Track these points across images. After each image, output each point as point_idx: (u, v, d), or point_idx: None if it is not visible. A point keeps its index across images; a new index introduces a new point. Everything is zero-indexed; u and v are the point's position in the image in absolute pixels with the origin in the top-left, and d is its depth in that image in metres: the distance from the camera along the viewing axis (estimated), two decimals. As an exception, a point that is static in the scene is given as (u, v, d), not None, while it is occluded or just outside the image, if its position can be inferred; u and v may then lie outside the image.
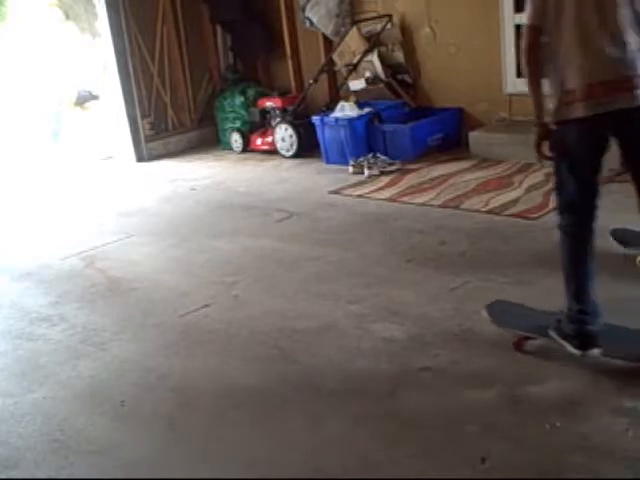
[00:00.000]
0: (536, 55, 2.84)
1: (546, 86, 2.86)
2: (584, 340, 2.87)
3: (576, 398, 2.71)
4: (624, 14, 2.72)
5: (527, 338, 3.12)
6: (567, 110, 2.77)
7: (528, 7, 2.84)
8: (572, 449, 2.44)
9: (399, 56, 6.98)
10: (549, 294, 3.59)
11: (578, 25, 2.72)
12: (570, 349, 2.92)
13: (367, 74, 7.00)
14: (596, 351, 2.87)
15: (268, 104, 7.58)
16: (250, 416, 2.90)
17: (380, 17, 6.97)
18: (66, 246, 5.31)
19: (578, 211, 2.88)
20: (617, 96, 2.71)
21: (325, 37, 7.48)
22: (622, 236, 3.95)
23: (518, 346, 3.11)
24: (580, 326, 2.87)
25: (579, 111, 2.74)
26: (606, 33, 2.71)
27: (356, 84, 7.08)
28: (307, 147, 7.07)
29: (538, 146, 2.90)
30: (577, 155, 2.82)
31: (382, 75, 6.94)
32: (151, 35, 7.91)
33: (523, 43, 2.85)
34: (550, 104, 2.84)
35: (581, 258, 2.88)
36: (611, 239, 3.95)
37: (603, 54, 2.71)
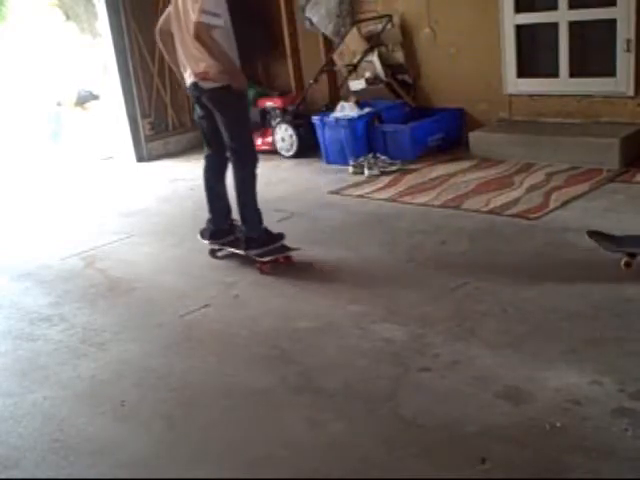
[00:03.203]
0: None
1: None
2: (203, 233, 4.66)
3: (576, 398, 2.71)
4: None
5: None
6: None
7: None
8: (572, 449, 2.44)
9: (399, 56, 6.99)
10: (549, 294, 3.60)
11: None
12: (198, 237, 4.69)
13: (367, 74, 6.99)
14: (206, 241, 4.64)
15: (268, 104, 7.58)
16: (250, 416, 2.90)
17: (380, 17, 6.97)
18: (66, 246, 5.31)
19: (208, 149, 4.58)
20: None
21: (325, 37, 7.48)
22: (597, 238, 3.91)
23: (212, 254, 4.69)
24: (207, 225, 4.63)
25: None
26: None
27: (356, 84, 7.07)
28: (307, 147, 7.07)
29: None
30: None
31: (382, 75, 6.94)
32: (151, 35, 7.84)
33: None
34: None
35: (209, 183, 4.57)
36: (587, 238, 3.93)
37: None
